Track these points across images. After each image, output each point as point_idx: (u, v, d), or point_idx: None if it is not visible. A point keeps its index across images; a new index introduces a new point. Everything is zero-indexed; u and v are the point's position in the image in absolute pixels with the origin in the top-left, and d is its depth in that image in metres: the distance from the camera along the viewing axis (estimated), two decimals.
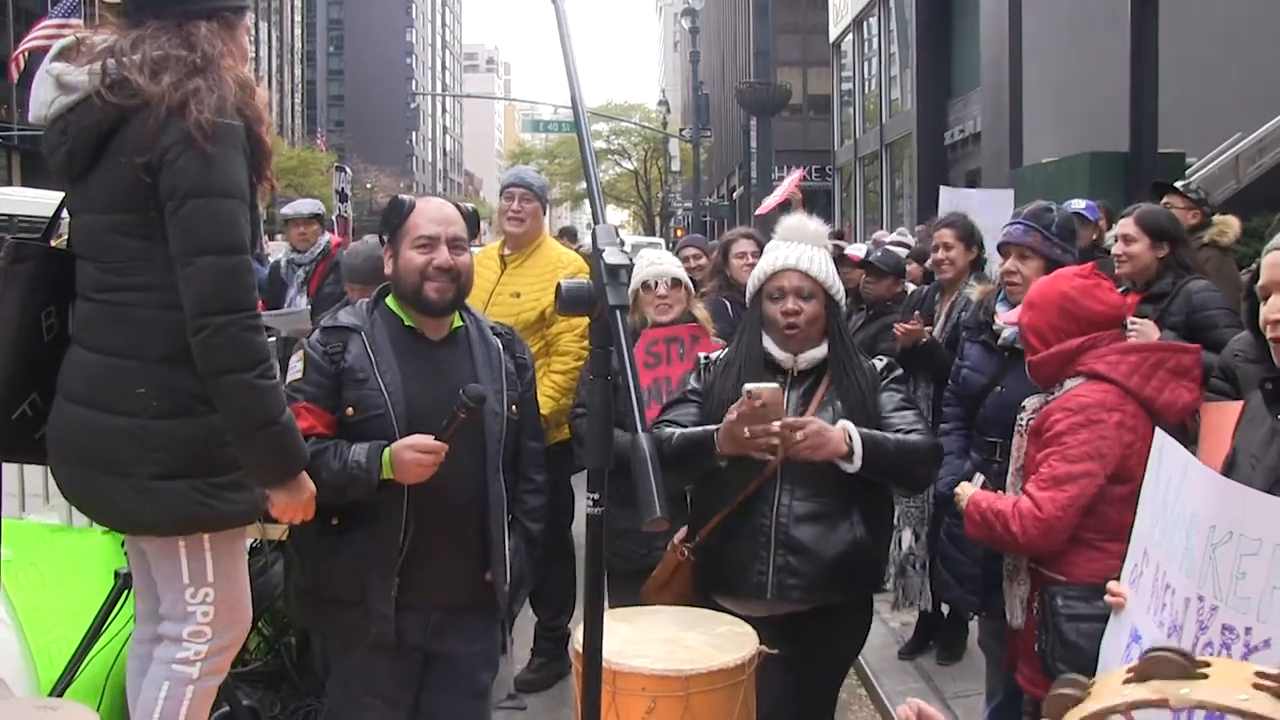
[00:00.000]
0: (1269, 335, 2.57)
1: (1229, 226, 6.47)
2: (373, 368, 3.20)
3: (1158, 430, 2.67)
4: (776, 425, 2.99)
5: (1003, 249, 4.22)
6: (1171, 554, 2.37)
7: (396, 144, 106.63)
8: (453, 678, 3.40)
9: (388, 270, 3.34)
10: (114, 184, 2.70)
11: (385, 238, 3.37)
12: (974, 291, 4.92)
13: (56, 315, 2.86)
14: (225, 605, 2.87)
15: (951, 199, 8.49)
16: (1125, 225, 4.65)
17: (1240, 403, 2.82)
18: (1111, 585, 2.71)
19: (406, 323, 3.32)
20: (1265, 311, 2.56)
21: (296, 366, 3.24)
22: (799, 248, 3.45)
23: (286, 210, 7.98)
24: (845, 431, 3.12)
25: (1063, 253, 4.07)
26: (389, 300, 3.37)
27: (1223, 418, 2.84)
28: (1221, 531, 2.16)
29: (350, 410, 3.18)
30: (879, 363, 3.52)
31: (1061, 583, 3.19)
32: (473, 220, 3.46)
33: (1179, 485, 2.42)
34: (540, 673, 5.51)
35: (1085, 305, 3.31)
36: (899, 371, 3.53)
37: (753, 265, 5.60)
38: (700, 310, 4.73)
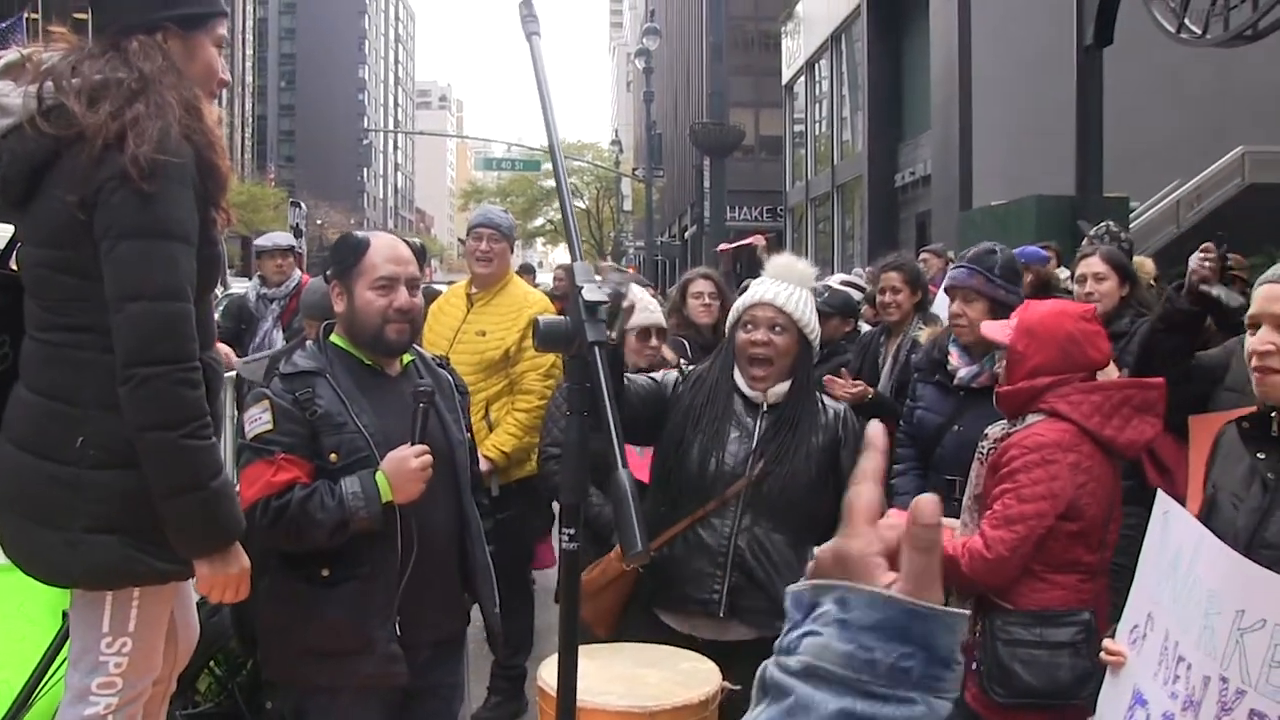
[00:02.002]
0: (1252, 366, 2.59)
1: (1143, 270, 6.69)
2: (348, 411, 3.11)
3: (1162, 495, 2.67)
4: None
5: (949, 292, 4.30)
6: (1186, 627, 2.38)
7: (348, 180, 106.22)
8: (431, 712, 3.36)
9: (338, 308, 3.24)
10: (49, 219, 2.51)
11: (332, 275, 3.27)
12: (923, 334, 4.99)
13: (11, 345, 2.67)
14: (141, 654, 2.65)
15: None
16: (1094, 264, 4.74)
17: (1225, 414, 2.87)
18: (1108, 644, 2.72)
19: (365, 361, 3.25)
20: (1251, 343, 2.60)
21: (263, 418, 3.06)
22: (781, 285, 3.52)
23: (261, 242, 7.86)
24: None
25: (1007, 294, 4.16)
26: (335, 338, 3.28)
27: (1211, 430, 2.88)
28: (1253, 618, 2.19)
29: (334, 456, 3.06)
30: (841, 409, 3.64)
31: (1004, 609, 3.23)
32: (420, 256, 3.41)
33: (1191, 557, 2.42)
34: (496, 711, 5.48)
35: (1086, 352, 3.33)
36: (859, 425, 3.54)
37: (709, 305, 5.62)
38: (668, 352, 4.77)
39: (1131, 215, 12.98)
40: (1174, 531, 2.54)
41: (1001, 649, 3.18)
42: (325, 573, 3.06)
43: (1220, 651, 2.24)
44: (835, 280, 8.67)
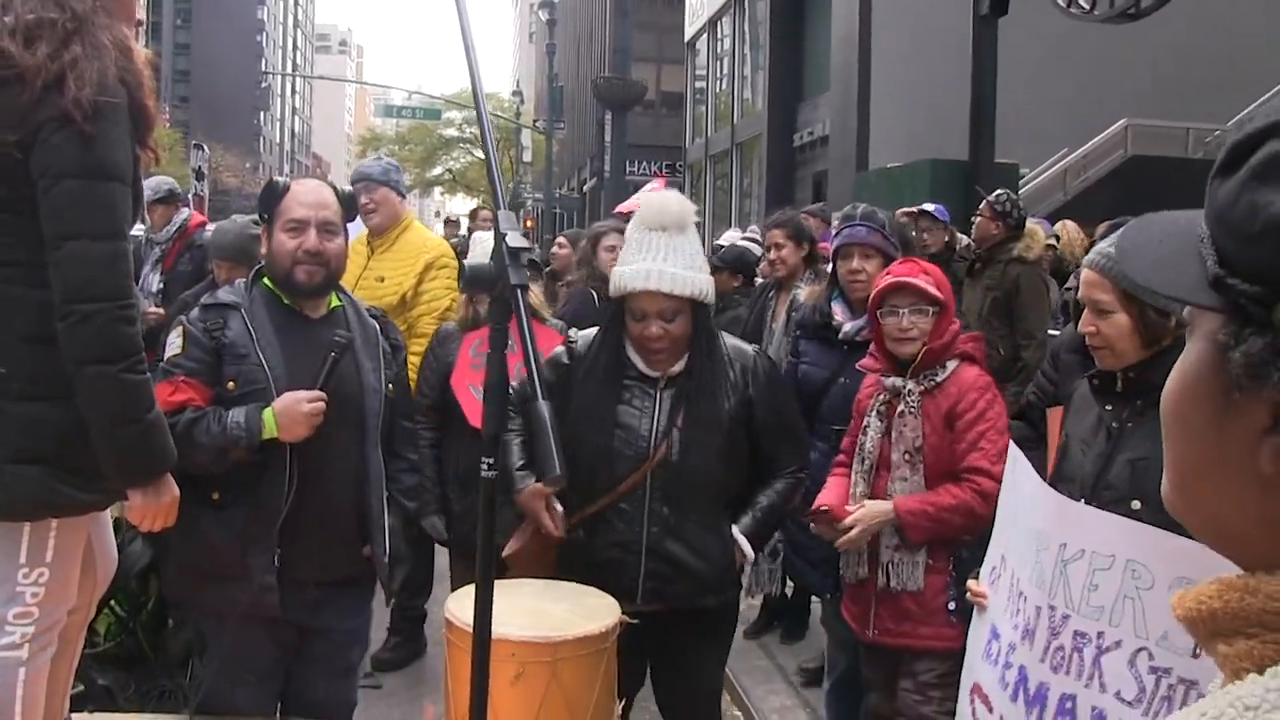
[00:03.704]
0: (1088, 343, 2.88)
1: (1035, 239, 6.98)
2: (253, 343, 3.22)
3: (1010, 444, 3.01)
4: None
5: (845, 250, 4.46)
6: (1023, 563, 2.65)
7: (244, 123, 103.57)
8: (325, 654, 3.45)
9: (262, 250, 3.38)
10: None
11: (262, 218, 3.39)
12: (802, 292, 5.14)
13: None
14: (57, 584, 2.69)
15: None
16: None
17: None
18: (972, 584, 2.98)
19: (285, 301, 3.36)
20: (1081, 324, 2.90)
21: (175, 342, 3.23)
22: (663, 263, 3.26)
23: (149, 184, 7.76)
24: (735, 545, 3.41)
25: (894, 248, 4.38)
26: (265, 279, 3.39)
27: (1057, 416, 3.14)
28: (1073, 549, 2.44)
29: (231, 384, 3.19)
30: (758, 352, 3.57)
31: (967, 543, 3.49)
32: (349, 203, 3.51)
33: (1029, 501, 2.71)
34: (396, 652, 5.59)
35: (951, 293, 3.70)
36: (777, 369, 3.61)
37: None
38: (533, 296, 4.86)
39: (1020, 181, 13.34)
40: (1018, 478, 2.82)
41: None
42: (215, 496, 3.20)
43: (1048, 583, 2.51)
44: (734, 236, 8.86)
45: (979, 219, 7.09)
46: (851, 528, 3.51)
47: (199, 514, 3.16)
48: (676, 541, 3.33)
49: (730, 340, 3.57)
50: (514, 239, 1.76)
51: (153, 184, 7.82)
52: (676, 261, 3.26)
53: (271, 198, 3.33)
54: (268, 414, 3.13)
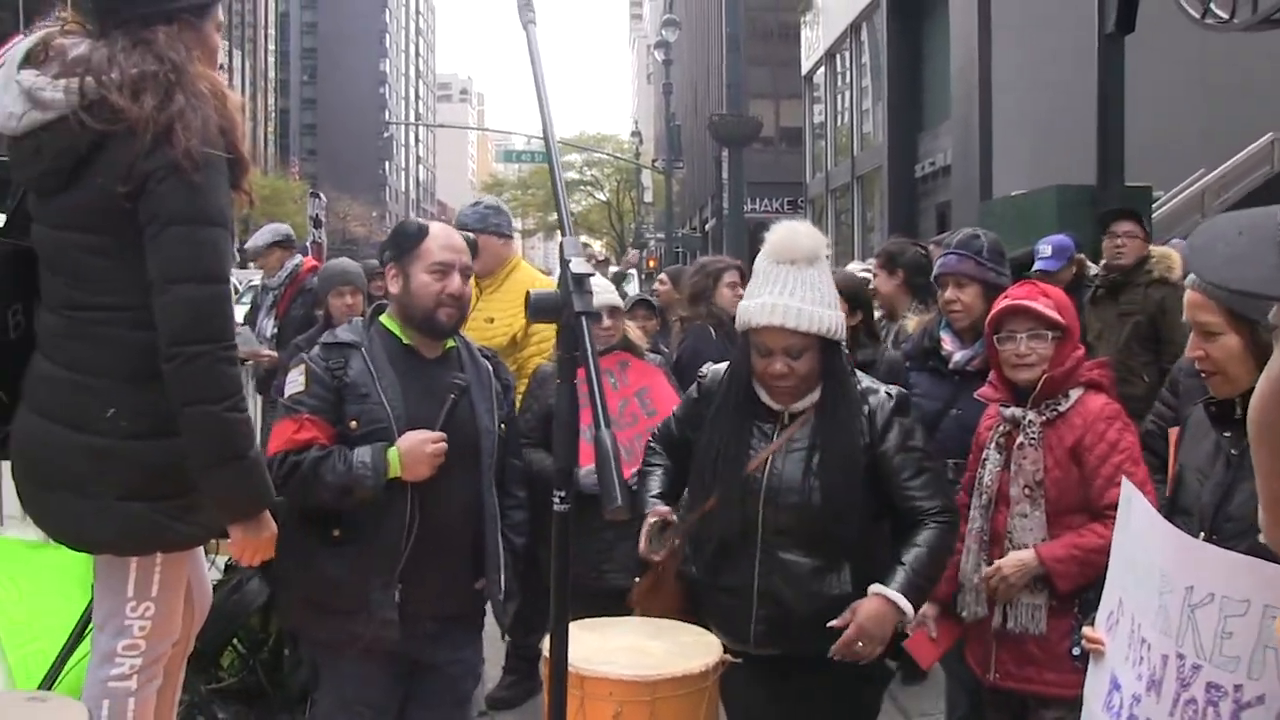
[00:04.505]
0: (1199, 368, 2.70)
1: (1174, 261, 6.64)
2: (374, 383, 3.31)
3: (1125, 480, 2.78)
4: None
5: (940, 280, 4.34)
6: (1144, 609, 2.43)
7: (370, 173, 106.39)
8: (439, 687, 3.52)
9: (393, 290, 3.44)
10: (88, 205, 2.62)
11: (389, 258, 3.46)
12: (910, 322, 5.01)
13: (24, 314, 2.78)
14: (163, 618, 2.80)
15: None
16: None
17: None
18: (1088, 631, 2.77)
19: (404, 341, 3.44)
20: (1189, 349, 2.72)
21: (298, 380, 3.31)
22: (788, 297, 3.10)
23: (252, 242, 8.00)
24: (890, 605, 3.03)
25: (997, 275, 4.21)
26: (384, 319, 3.48)
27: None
28: (1201, 593, 2.23)
29: (354, 423, 3.28)
30: (886, 396, 3.27)
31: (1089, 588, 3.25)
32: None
33: (1145, 539, 2.50)
34: (512, 690, 5.58)
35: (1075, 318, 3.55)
36: (904, 410, 3.28)
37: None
38: (633, 331, 4.85)
39: (1155, 204, 12.93)
40: (1134, 517, 2.60)
41: None
42: (336, 533, 3.27)
43: (1175, 629, 2.28)
44: (855, 268, 8.70)
45: (1132, 240, 6.77)
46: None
47: (318, 549, 3.28)
48: (786, 583, 3.15)
49: (865, 380, 3.36)
50: (578, 265, 1.73)
51: (270, 230, 8.07)
52: (805, 296, 3.11)
53: (409, 240, 3.41)
54: (392, 454, 3.22)
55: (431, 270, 3.39)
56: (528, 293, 1.82)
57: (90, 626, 3.64)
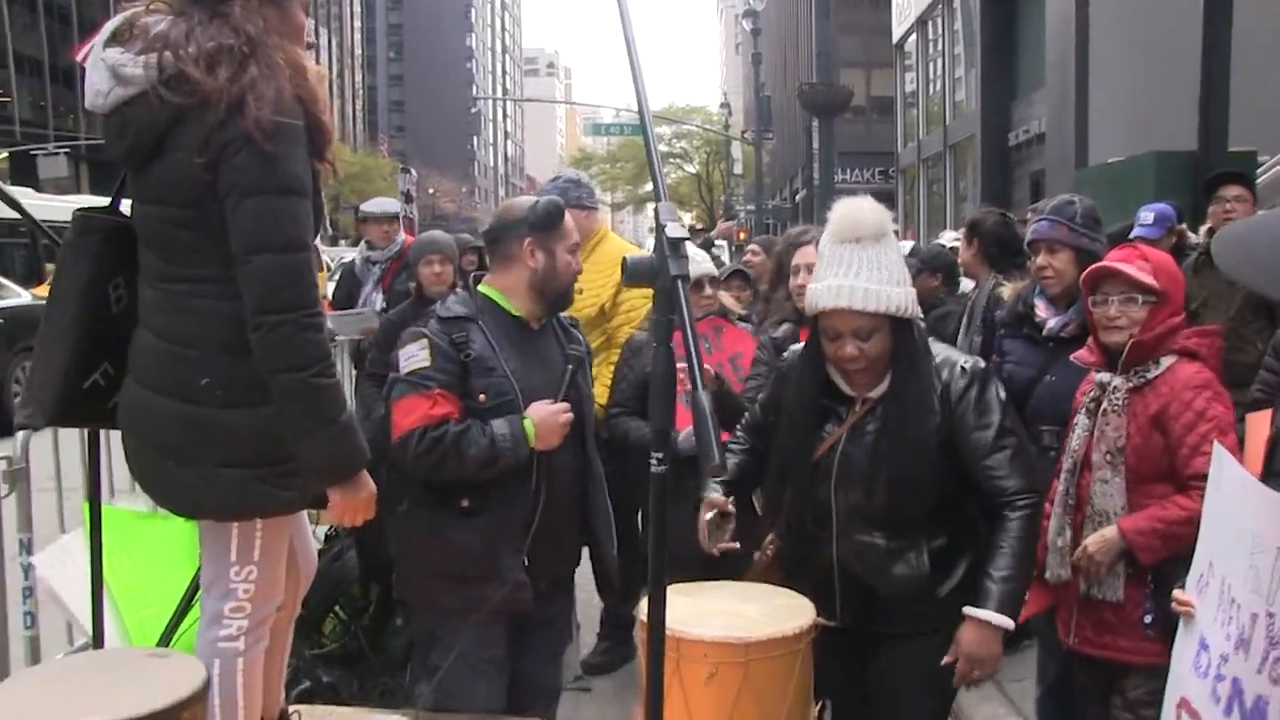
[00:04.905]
0: None
1: None
2: (497, 356, 3.43)
3: (1215, 444, 2.73)
4: None
5: (1033, 246, 4.32)
6: (1234, 570, 2.43)
7: (458, 149, 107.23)
8: (543, 642, 3.70)
9: (532, 264, 3.52)
10: (172, 179, 2.65)
11: (530, 234, 3.53)
12: (1006, 290, 4.98)
13: (126, 287, 2.84)
14: (266, 582, 2.86)
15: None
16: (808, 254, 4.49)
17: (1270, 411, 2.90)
18: (1178, 594, 2.75)
19: (514, 313, 3.55)
20: None
21: (421, 355, 3.39)
22: (850, 274, 3.04)
23: (368, 208, 8.08)
24: (988, 626, 2.96)
25: (1091, 241, 4.17)
26: (485, 290, 3.59)
27: (1260, 426, 2.91)
28: None
29: (483, 397, 3.39)
30: (961, 371, 3.16)
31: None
32: None
33: (1238, 501, 2.48)
34: (606, 656, 5.68)
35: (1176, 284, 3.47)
36: (980, 383, 3.16)
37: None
38: (726, 298, 4.92)
39: (1259, 170, 12.57)
40: (1225, 478, 2.58)
41: None
42: (465, 503, 3.39)
43: (1265, 588, 2.28)
44: (947, 238, 8.63)
45: (1241, 204, 6.59)
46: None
47: (447, 521, 3.41)
48: (862, 563, 3.15)
49: (942, 352, 3.25)
50: (673, 230, 1.77)
51: (379, 203, 8.20)
52: (871, 276, 3.03)
53: (553, 219, 3.54)
54: (528, 424, 3.37)
55: (571, 249, 3.58)
56: (624, 258, 1.86)
57: (199, 593, 3.80)
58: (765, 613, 2.90)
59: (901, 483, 3.08)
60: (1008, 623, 2.98)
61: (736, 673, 2.69)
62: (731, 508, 3.29)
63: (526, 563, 3.43)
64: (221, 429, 2.68)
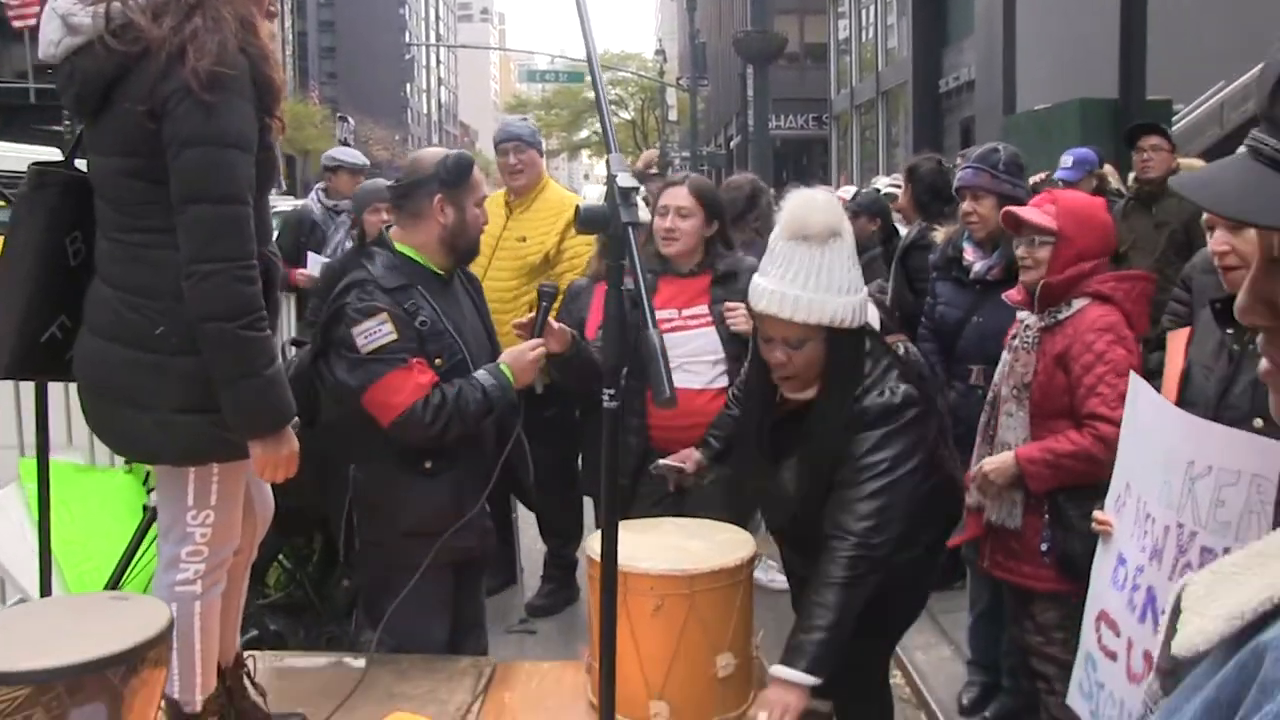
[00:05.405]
0: (1219, 264, 2.87)
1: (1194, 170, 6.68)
2: (441, 319, 3.46)
3: (1131, 373, 2.97)
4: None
5: (959, 192, 4.50)
6: (1150, 487, 2.65)
7: (390, 96, 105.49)
8: (476, 576, 3.83)
9: (443, 220, 3.52)
10: (121, 129, 2.67)
11: (441, 189, 3.51)
12: (938, 234, 5.15)
13: (84, 240, 2.84)
14: (223, 525, 2.88)
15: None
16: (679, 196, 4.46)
17: (1189, 329, 3.08)
18: (1097, 514, 2.97)
19: (436, 270, 3.56)
20: (1210, 245, 2.85)
21: (384, 329, 3.35)
22: (788, 279, 2.90)
23: (341, 156, 8.03)
24: (786, 684, 2.77)
25: (1013, 187, 4.35)
26: (403, 248, 3.55)
27: (1179, 341, 3.09)
28: (1200, 466, 2.44)
29: (439, 360, 3.42)
30: (876, 404, 2.99)
31: (1064, 488, 3.42)
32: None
33: (1153, 424, 2.70)
34: (550, 598, 5.79)
35: (1113, 239, 3.62)
36: (882, 420, 2.97)
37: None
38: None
39: (1175, 118, 12.86)
40: (1140, 404, 2.81)
41: (1079, 523, 3.29)
42: (428, 465, 3.46)
43: (1176, 502, 2.50)
44: (883, 182, 8.80)
45: (1159, 153, 6.83)
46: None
47: (413, 481, 3.47)
48: (811, 534, 3.08)
49: (880, 380, 3.05)
50: (624, 179, 1.87)
51: (349, 153, 8.17)
52: (810, 283, 2.89)
53: (463, 173, 3.54)
54: (505, 369, 3.46)
55: (479, 202, 3.59)
56: (577, 206, 1.96)
57: (145, 543, 3.82)
58: (708, 546, 3.00)
59: (808, 498, 3.08)
60: (794, 678, 2.77)
61: (682, 604, 2.79)
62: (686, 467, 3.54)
63: (488, 508, 3.53)
64: (177, 375, 2.71)
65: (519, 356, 3.49)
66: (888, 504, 2.91)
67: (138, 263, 2.73)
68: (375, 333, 3.35)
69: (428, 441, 3.39)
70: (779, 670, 2.78)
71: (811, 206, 2.95)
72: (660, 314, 3.93)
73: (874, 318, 3.12)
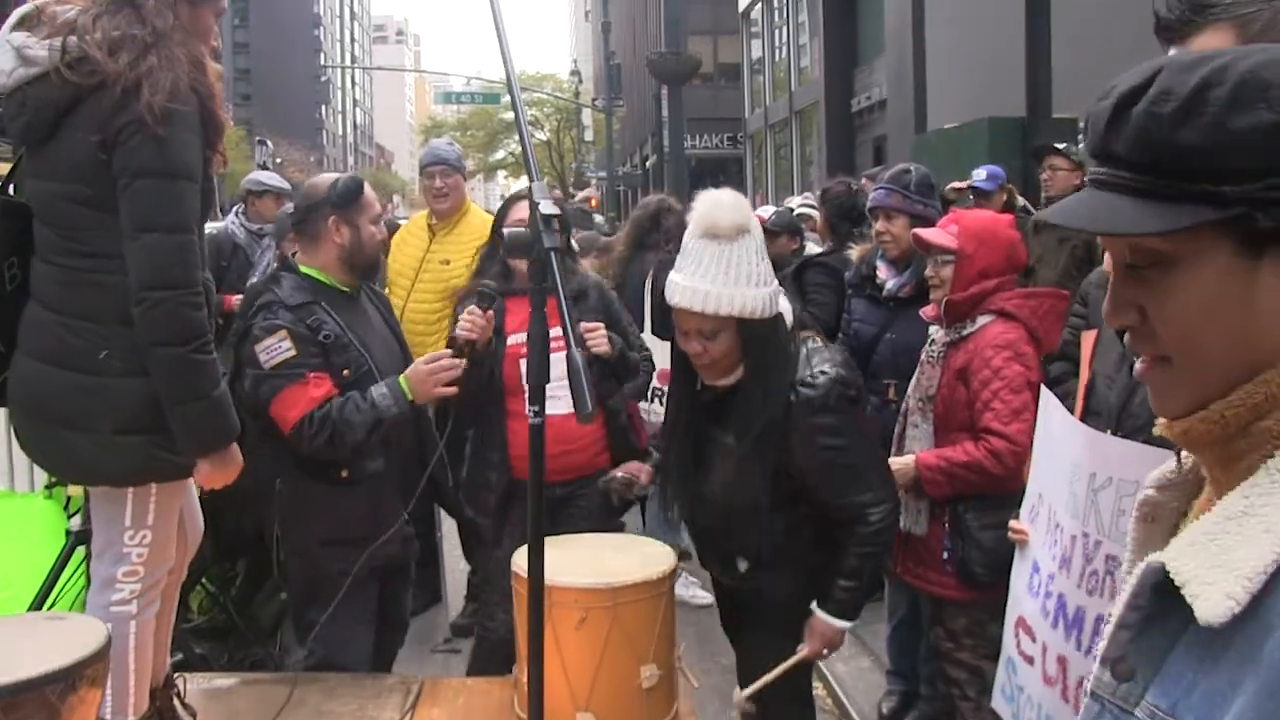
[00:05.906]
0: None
1: None
2: (346, 332, 3.57)
3: (1043, 389, 3.11)
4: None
5: (872, 212, 4.63)
6: (1058, 497, 2.79)
7: (306, 118, 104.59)
8: (401, 582, 3.91)
9: (339, 240, 3.65)
10: (71, 157, 2.76)
11: (334, 210, 3.65)
12: (853, 252, 5.29)
13: (20, 266, 2.90)
14: (159, 545, 2.95)
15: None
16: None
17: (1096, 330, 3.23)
18: (1013, 523, 3.11)
19: (340, 288, 3.69)
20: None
21: (283, 346, 3.48)
22: (698, 274, 3.02)
23: (266, 180, 7.97)
24: (826, 625, 3.16)
25: (925, 207, 4.48)
26: (307, 270, 3.69)
27: (1090, 342, 3.24)
28: (1102, 478, 2.57)
29: (346, 372, 3.53)
30: (810, 390, 3.09)
31: (965, 497, 3.55)
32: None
33: (1061, 437, 2.83)
34: (475, 617, 5.76)
35: (1020, 255, 3.72)
36: (825, 407, 3.09)
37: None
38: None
39: (1080, 135, 13.20)
40: (1050, 419, 2.95)
41: (980, 533, 3.48)
42: (344, 474, 3.55)
43: (1081, 512, 2.64)
44: (795, 202, 8.95)
45: (1058, 172, 7.02)
46: None
47: (329, 493, 3.56)
48: (727, 533, 3.31)
49: (815, 365, 3.14)
50: (546, 207, 1.98)
51: (272, 178, 8.12)
52: (719, 277, 3.00)
53: (353, 194, 3.66)
54: (403, 381, 3.53)
55: (375, 220, 3.70)
56: (503, 232, 2.06)
57: (69, 570, 3.80)
58: (630, 560, 3.07)
59: (733, 485, 3.19)
60: (834, 624, 3.18)
61: (606, 617, 2.86)
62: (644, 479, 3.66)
63: (406, 517, 3.61)
64: (121, 397, 2.79)
65: (418, 371, 3.57)
66: (862, 471, 3.16)
67: (81, 287, 2.80)
68: (275, 349, 3.48)
69: (318, 452, 3.47)
70: (823, 615, 3.15)
71: (720, 206, 3.07)
72: (513, 339, 3.97)
73: (787, 310, 3.22)
